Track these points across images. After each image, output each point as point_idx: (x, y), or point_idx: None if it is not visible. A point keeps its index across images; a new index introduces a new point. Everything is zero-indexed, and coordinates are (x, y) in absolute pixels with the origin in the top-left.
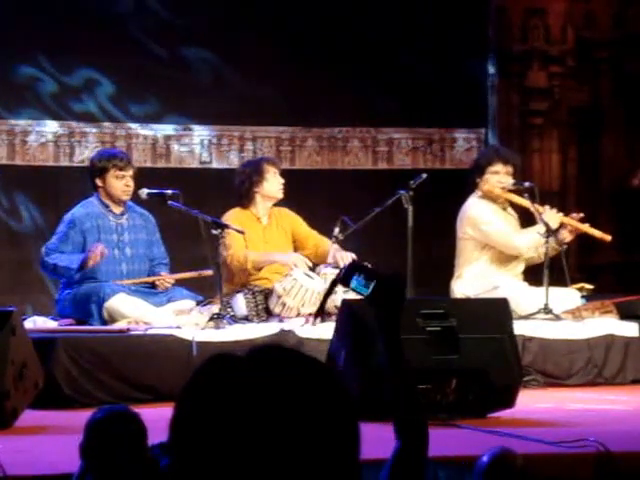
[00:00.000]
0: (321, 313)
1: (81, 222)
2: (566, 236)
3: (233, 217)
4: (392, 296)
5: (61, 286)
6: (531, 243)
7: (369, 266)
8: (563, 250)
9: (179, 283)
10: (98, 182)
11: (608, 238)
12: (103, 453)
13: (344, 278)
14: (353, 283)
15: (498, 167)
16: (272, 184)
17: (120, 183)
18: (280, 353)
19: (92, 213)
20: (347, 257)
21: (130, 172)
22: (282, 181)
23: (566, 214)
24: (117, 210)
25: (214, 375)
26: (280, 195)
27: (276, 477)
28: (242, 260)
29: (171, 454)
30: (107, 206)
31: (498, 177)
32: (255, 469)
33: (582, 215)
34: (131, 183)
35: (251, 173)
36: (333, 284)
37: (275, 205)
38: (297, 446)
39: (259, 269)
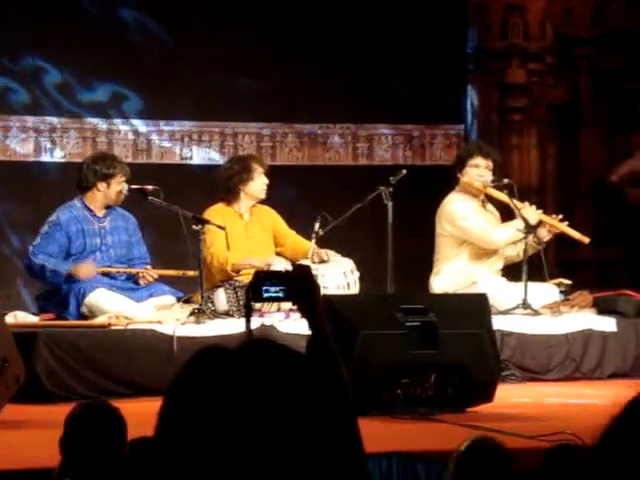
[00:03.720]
0: (250, 335)
1: (67, 225)
2: (545, 235)
3: (215, 212)
4: (306, 288)
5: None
6: (509, 238)
7: (271, 270)
8: (542, 249)
9: (160, 279)
10: (100, 186)
11: (586, 240)
12: (82, 447)
13: (255, 294)
14: (265, 294)
15: (478, 160)
16: (257, 184)
17: (119, 189)
18: (271, 348)
19: (77, 217)
20: (329, 253)
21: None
22: (266, 181)
23: (545, 212)
24: (100, 213)
25: (205, 368)
26: (262, 196)
27: (266, 469)
28: (222, 261)
29: (159, 448)
30: (91, 210)
31: (478, 170)
32: (244, 460)
33: (561, 216)
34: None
35: (240, 170)
36: (248, 305)
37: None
38: (288, 441)
39: (237, 272)
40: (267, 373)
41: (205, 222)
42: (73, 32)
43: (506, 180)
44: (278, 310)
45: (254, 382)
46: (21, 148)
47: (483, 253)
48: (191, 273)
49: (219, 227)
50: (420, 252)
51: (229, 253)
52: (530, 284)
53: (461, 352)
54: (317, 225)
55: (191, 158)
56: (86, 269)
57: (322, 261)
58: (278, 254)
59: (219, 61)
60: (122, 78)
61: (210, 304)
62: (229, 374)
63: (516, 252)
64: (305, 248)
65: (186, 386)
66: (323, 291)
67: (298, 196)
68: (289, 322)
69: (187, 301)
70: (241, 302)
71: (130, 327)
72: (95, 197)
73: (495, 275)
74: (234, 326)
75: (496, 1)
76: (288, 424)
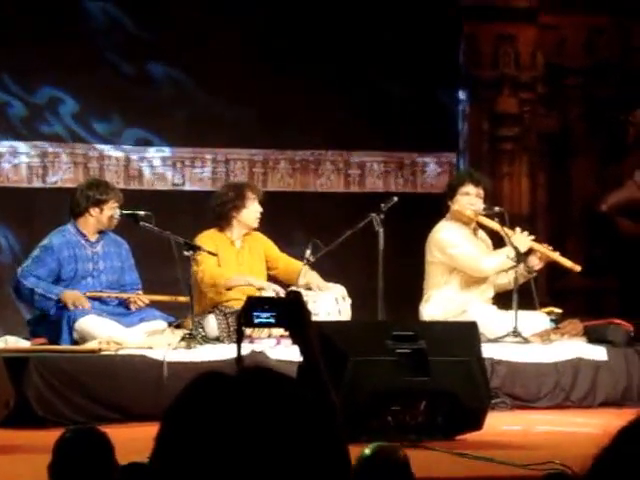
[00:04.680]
0: (240, 361)
1: (59, 250)
2: (536, 263)
3: (207, 238)
4: (297, 314)
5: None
6: (499, 266)
7: (262, 296)
8: (533, 277)
9: (152, 304)
10: (92, 211)
11: (577, 268)
12: (71, 473)
13: (246, 319)
14: (256, 320)
15: (469, 188)
16: (251, 212)
17: (111, 214)
18: (270, 377)
19: (70, 242)
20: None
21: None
22: (260, 210)
23: (536, 240)
24: (92, 238)
25: (203, 394)
26: (255, 225)
27: None
28: (215, 276)
29: (155, 474)
30: (84, 235)
31: (469, 198)
32: None
33: (551, 248)
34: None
35: (234, 197)
36: (239, 331)
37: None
38: (282, 468)
39: (229, 288)
40: (266, 402)
41: (196, 248)
42: (65, 58)
43: (497, 208)
44: (269, 336)
45: (252, 410)
46: (13, 174)
47: (473, 281)
48: (182, 299)
49: (210, 253)
50: (411, 279)
51: (221, 269)
52: (520, 312)
53: (451, 379)
54: (308, 251)
55: (183, 184)
56: (74, 297)
57: (309, 288)
58: (271, 278)
59: (211, 87)
60: (114, 105)
61: (201, 329)
62: (228, 401)
63: (507, 280)
64: (297, 270)
65: (184, 411)
66: (314, 317)
67: (290, 222)
68: (280, 348)
69: (178, 326)
70: (232, 328)
71: (120, 352)
72: (87, 222)
73: (485, 303)
74: (225, 352)
75: (487, 30)
76: (283, 452)
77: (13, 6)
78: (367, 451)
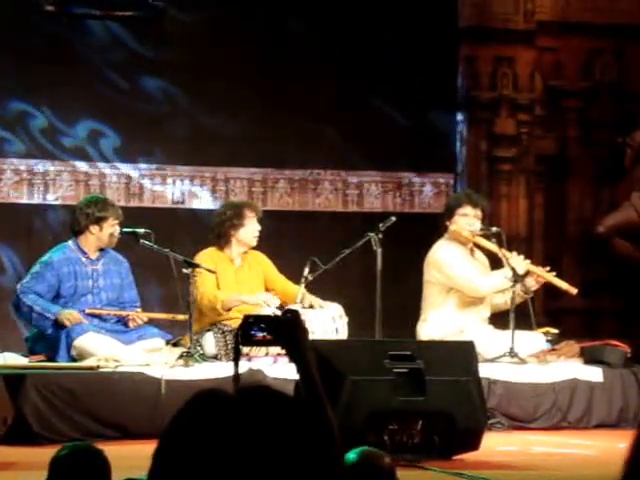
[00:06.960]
0: (237, 379)
1: (59, 266)
2: (532, 284)
3: (207, 256)
4: (294, 332)
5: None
6: (496, 286)
7: (260, 314)
8: (529, 298)
9: (150, 322)
10: (92, 229)
11: (574, 291)
12: None
13: (244, 337)
14: (253, 338)
15: (467, 210)
16: (249, 231)
17: (111, 231)
18: (269, 395)
19: (70, 258)
20: (314, 303)
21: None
22: (258, 228)
23: (533, 261)
24: (93, 256)
25: (202, 412)
26: (253, 243)
27: None
28: (212, 299)
29: None
30: (84, 252)
31: (467, 219)
32: None
33: (548, 268)
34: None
35: (232, 216)
36: (237, 348)
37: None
38: None
39: (228, 309)
40: (263, 419)
41: (195, 266)
42: (62, 77)
43: (494, 228)
44: (266, 354)
45: (250, 428)
46: (14, 190)
47: (470, 301)
48: (180, 317)
49: (209, 271)
50: (408, 299)
51: (218, 292)
52: (517, 332)
53: (448, 399)
54: (306, 270)
55: (183, 202)
56: (70, 315)
57: (310, 306)
58: None
59: (211, 106)
60: (115, 123)
61: (199, 347)
62: (226, 419)
63: (504, 300)
64: (294, 293)
65: (182, 429)
66: (311, 336)
67: (288, 241)
68: (277, 366)
69: (176, 344)
70: (229, 346)
71: (119, 370)
72: (88, 240)
73: (482, 323)
74: (222, 370)
75: (486, 52)
76: (281, 469)
77: (13, 22)
78: (352, 456)
